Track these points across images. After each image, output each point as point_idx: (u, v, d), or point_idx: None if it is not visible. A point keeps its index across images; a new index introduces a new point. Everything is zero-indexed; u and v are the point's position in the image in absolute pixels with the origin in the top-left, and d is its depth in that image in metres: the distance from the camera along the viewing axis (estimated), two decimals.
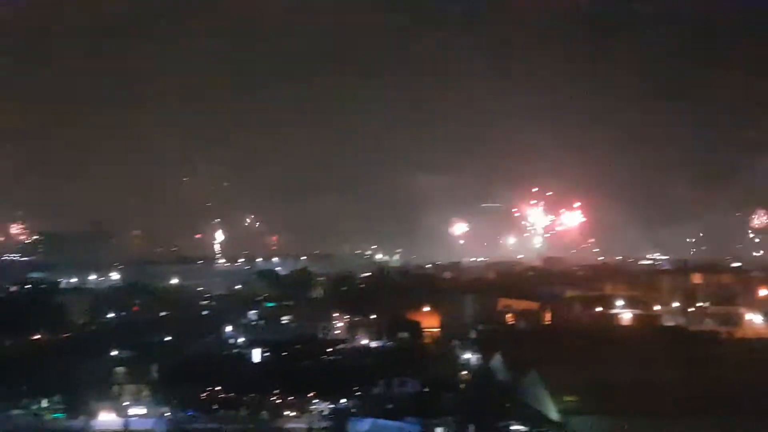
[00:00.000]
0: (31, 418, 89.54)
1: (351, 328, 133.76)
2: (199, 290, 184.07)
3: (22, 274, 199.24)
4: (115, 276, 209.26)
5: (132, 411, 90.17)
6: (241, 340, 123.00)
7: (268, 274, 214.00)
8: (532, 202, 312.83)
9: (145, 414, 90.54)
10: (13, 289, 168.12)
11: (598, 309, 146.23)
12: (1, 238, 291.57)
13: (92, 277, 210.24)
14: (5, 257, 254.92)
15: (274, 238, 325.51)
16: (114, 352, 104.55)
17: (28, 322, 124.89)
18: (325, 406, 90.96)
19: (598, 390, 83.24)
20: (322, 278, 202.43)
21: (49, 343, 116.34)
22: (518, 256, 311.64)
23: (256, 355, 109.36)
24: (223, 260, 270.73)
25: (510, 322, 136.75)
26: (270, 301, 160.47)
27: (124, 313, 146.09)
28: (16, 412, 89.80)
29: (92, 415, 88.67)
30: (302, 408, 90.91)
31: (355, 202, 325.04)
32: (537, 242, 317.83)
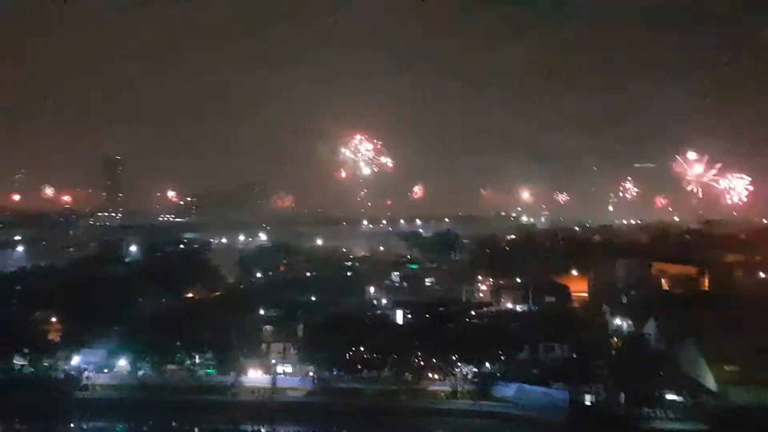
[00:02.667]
0: (184, 372, 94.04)
1: (495, 291, 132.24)
2: (343, 251, 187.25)
3: (177, 235, 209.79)
4: (263, 236, 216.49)
5: (279, 369, 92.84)
6: (384, 301, 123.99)
7: (411, 236, 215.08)
8: (691, 162, 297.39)
9: (291, 372, 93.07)
10: (169, 249, 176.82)
11: (763, 275, 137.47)
12: (158, 201, 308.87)
13: (241, 237, 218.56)
14: (161, 218, 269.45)
15: (418, 193, 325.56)
16: (262, 311, 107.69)
17: (182, 280, 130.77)
18: (470, 370, 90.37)
19: (762, 359, 79.06)
20: (465, 240, 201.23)
21: (201, 301, 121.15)
22: (674, 218, 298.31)
23: (399, 316, 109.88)
24: (367, 222, 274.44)
25: (664, 288, 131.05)
26: (413, 263, 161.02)
27: (271, 273, 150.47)
28: (170, 366, 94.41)
29: (241, 371, 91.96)
30: (446, 370, 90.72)
31: (499, 163, 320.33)
32: (694, 204, 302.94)
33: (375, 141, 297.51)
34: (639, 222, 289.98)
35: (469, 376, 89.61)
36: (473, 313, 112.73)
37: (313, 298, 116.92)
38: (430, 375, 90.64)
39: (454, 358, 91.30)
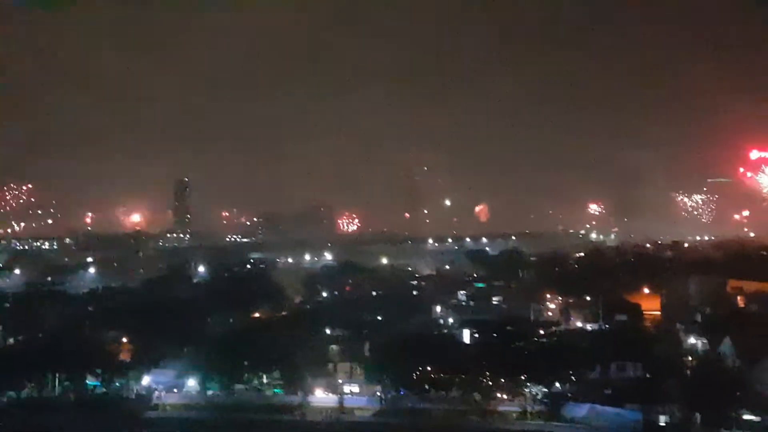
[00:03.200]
0: (252, 392, 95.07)
1: (564, 310, 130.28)
2: (409, 270, 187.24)
3: (244, 255, 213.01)
4: (329, 256, 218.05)
5: (346, 388, 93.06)
6: (450, 320, 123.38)
7: (478, 254, 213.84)
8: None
9: (358, 392, 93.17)
10: (236, 269, 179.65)
11: None
12: (225, 222, 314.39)
13: (307, 257, 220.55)
14: (228, 239, 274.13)
15: (483, 218, 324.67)
16: (328, 331, 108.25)
17: (249, 300, 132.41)
18: (539, 390, 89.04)
19: None
20: (533, 258, 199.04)
21: (268, 320, 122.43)
22: (749, 234, 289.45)
23: (467, 335, 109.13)
24: (432, 240, 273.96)
25: (741, 305, 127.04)
26: (480, 282, 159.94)
27: (337, 293, 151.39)
28: (238, 386, 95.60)
29: (309, 391, 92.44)
30: (515, 391, 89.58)
31: (567, 180, 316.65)
32: None
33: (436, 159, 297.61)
34: (713, 238, 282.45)
35: (539, 397, 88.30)
36: (542, 332, 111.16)
37: (379, 318, 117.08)
38: (499, 395, 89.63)
39: (523, 377, 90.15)
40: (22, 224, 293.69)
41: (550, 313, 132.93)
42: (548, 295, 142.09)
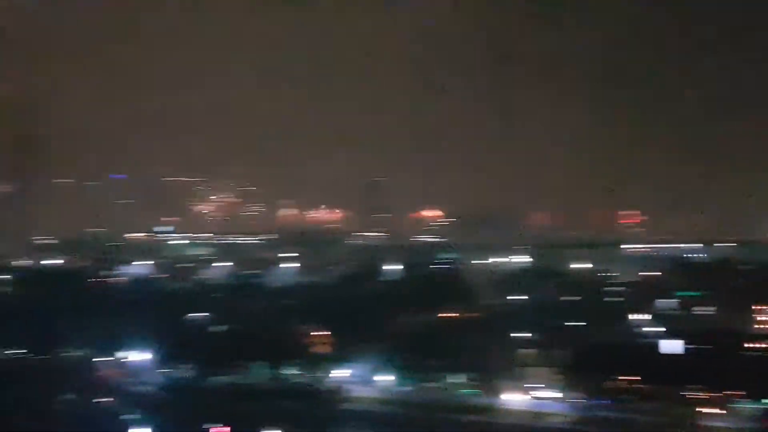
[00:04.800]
0: (442, 392, 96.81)
1: None
2: (607, 275, 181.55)
3: (433, 254, 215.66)
4: (521, 258, 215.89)
5: (539, 393, 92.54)
6: (651, 329, 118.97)
7: (683, 261, 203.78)
8: None
9: (550, 397, 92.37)
10: (425, 268, 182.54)
11: None
12: (415, 221, 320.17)
13: (499, 258, 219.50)
14: (418, 238, 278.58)
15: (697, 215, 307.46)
16: (520, 334, 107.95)
17: (438, 299, 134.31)
18: (751, 407, 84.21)
19: None
20: (747, 266, 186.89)
21: (458, 320, 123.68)
22: None
23: (670, 345, 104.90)
24: (636, 245, 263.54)
25: None
26: (684, 290, 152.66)
27: (530, 296, 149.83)
28: (429, 384, 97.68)
29: (500, 393, 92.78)
30: (722, 406, 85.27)
31: None
32: None
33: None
34: None
35: (751, 414, 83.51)
36: (754, 345, 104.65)
37: (574, 323, 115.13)
38: (705, 409, 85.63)
39: (732, 393, 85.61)
40: (226, 219, 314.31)
41: (763, 326, 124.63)
42: (761, 306, 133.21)
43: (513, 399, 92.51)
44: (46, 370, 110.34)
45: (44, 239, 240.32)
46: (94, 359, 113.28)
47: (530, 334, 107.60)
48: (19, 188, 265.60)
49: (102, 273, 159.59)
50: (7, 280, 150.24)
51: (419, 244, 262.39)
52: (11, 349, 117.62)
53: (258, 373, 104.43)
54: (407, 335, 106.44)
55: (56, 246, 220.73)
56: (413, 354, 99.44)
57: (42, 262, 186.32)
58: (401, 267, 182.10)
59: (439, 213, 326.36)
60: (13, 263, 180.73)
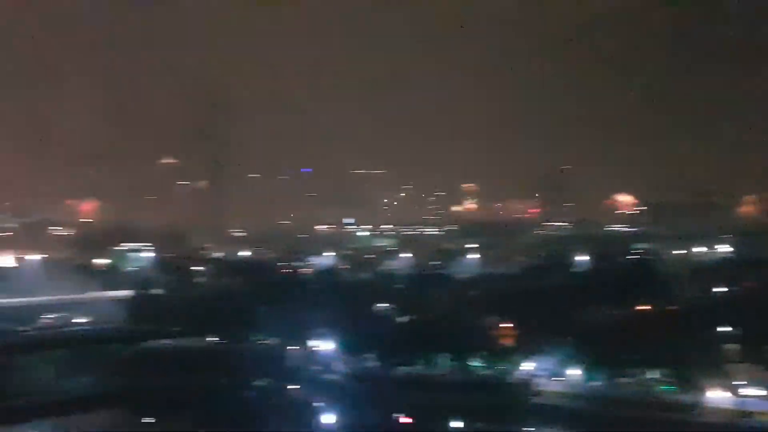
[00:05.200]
0: (637, 387, 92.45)
1: None
2: None
3: (626, 245, 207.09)
4: (724, 247, 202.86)
5: (745, 391, 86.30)
6: None
7: None
8: None
9: (760, 395, 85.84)
10: (618, 259, 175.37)
11: None
12: (606, 210, 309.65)
13: (698, 248, 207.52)
14: (610, 228, 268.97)
15: None
16: (723, 329, 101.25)
17: (632, 292, 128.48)
18: None
19: None
20: None
21: (654, 314, 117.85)
22: None
23: None
24: None
25: None
26: None
27: (735, 288, 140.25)
28: (622, 380, 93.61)
29: (702, 391, 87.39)
30: None
31: None
32: None
33: None
34: None
35: None
36: None
37: None
38: None
39: None
40: (409, 210, 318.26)
41: None
42: None
43: (716, 396, 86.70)
44: (240, 357, 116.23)
45: (237, 232, 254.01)
46: (285, 347, 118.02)
47: (736, 329, 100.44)
48: (214, 183, 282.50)
49: (291, 264, 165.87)
50: (204, 271, 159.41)
51: (612, 233, 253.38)
52: (208, 336, 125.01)
53: (442, 365, 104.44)
54: (598, 329, 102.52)
55: (248, 238, 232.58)
56: (606, 348, 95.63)
57: (235, 253, 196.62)
58: (592, 258, 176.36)
59: (632, 200, 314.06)
60: (210, 255, 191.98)
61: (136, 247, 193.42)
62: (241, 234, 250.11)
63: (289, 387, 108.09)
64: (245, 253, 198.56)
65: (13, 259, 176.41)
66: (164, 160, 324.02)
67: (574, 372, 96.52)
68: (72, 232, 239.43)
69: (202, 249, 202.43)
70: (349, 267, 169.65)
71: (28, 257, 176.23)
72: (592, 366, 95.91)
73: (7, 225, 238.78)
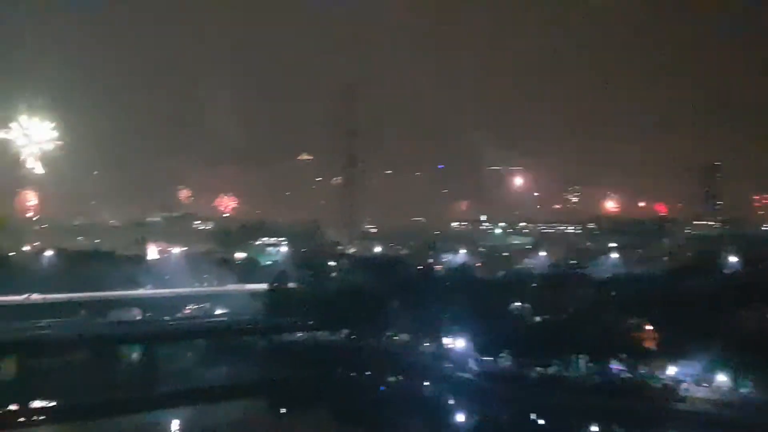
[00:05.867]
0: None
1: None
2: None
3: None
4: None
5: None
6: None
7: None
8: None
9: None
10: None
11: None
12: (762, 208, 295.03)
13: None
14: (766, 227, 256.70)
15: None
16: None
17: None
18: None
19: None
20: None
21: None
22: None
23: None
24: None
25: None
26: None
27: None
28: None
29: None
30: None
31: None
32: None
33: None
34: None
35: None
36: None
37: None
38: None
39: None
40: (538, 206, 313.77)
41: None
42: None
43: None
44: (373, 352, 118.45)
45: (370, 228, 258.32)
46: (418, 344, 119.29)
47: None
48: (349, 180, 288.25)
49: (425, 261, 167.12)
50: (337, 266, 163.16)
51: (765, 233, 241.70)
52: (341, 330, 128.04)
53: (580, 367, 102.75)
54: (749, 333, 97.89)
55: (381, 234, 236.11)
56: (756, 354, 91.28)
57: (369, 249, 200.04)
58: (744, 259, 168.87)
59: None
60: (344, 251, 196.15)
61: (273, 242, 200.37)
62: (374, 230, 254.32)
63: (421, 384, 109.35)
64: (378, 249, 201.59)
65: (159, 251, 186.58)
66: (301, 157, 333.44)
67: (723, 378, 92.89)
68: (212, 226, 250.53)
69: (337, 244, 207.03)
70: (483, 265, 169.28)
71: (172, 250, 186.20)
72: (741, 372, 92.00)
73: (153, 219, 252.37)
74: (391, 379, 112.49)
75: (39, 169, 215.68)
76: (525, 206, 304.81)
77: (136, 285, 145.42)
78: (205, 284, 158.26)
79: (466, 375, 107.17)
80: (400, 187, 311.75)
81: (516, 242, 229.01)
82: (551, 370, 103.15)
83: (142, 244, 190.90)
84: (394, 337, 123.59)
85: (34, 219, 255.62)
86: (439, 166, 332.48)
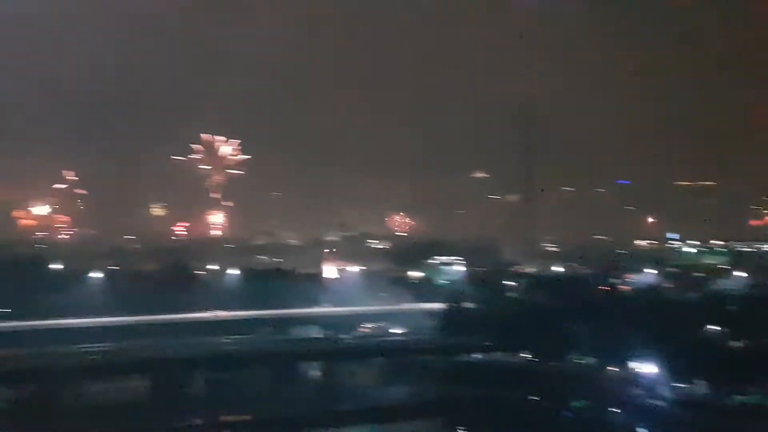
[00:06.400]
0: None
1: None
2: None
3: None
4: None
5: None
6: None
7: None
8: None
9: None
10: None
11: None
12: None
13: None
14: None
15: None
16: None
17: None
18: None
19: None
20: None
21: None
22: None
23: None
24: None
25: None
26: None
27: None
28: None
29: None
30: None
31: None
32: None
33: None
34: None
35: None
36: None
37: None
38: None
39: None
40: (732, 223, 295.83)
41: None
42: None
43: None
44: (555, 375, 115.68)
45: (550, 246, 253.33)
46: (603, 368, 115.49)
47: None
48: (526, 197, 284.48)
49: (610, 281, 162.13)
50: (515, 286, 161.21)
51: None
52: (521, 352, 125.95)
53: None
54: None
55: (561, 253, 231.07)
56: None
57: (548, 268, 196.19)
58: None
59: None
60: (522, 270, 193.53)
61: (448, 261, 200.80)
62: (554, 249, 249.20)
63: (608, 410, 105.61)
64: (558, 269, 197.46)
65: (336, 270, 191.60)
66: (475, 174, 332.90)
67: None
68: (387, 245, 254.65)
69: (514, 263, 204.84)
70: (674, 285, 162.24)
71: (349, 268, 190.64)
72: None
73: (331, 238, 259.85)
74: (576, 404, 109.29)
75: (223, 191, 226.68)
76: (717, 223, 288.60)
77: (315, 303, 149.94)
78: (381, 303, 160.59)
79: (658, 402, 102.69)
80: (580, 203, 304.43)
81: (711, 262, 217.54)
82: (753, 399, 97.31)
83: (320, 262, 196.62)
84: (578, 360, 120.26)
85: (219, 238, 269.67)
86: (623, 182, 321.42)
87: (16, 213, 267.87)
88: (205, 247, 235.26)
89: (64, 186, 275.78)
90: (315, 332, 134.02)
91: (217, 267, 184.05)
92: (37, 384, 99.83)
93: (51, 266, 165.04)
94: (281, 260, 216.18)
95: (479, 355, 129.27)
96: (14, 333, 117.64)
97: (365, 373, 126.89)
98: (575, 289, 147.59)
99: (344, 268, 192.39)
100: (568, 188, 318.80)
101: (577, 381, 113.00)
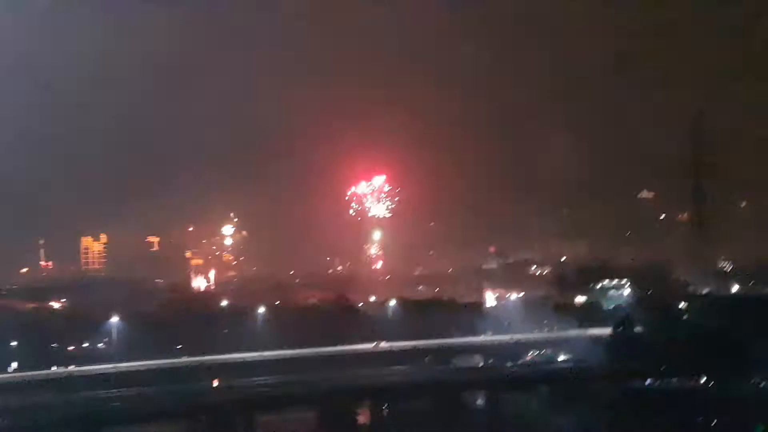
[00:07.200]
0: None
1: None
2: None
3: None
4: None
5: None
6: None
7: None
8: None
9: None
10: None
11: None
12: None
13: None
14: None
15: None
16: None
17: None
18: None
19: None
20: None
21: None
22: None
23: None
24: None
25: None
26: None
27: None
28: None
29: None
30: None
31: None
32: None
33: None
34: None
35: None
36: None
37: None
38: None
39: None
40: None
41: None
42: None
43: None
44: (737, 400, 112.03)
45: (725, 265, 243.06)
46: None
47: None
48: (698, 215, 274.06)
49: None
50: (689, 308, 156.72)
51: None
52: (697, 376, 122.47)
53: None
54: None
55: (738, 272, 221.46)
56: None
57: (725, 288, 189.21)
58: None
59: None
60: (696, 291, 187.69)
61: (615, 284, 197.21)
62: (731, 268, 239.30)
63: None
64: (736, 289, 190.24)
65: (496, 298, 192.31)
66: (642, 195, 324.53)
67: None
68: (549, 270, 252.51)
69: (687, 284, 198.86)
70: None
71: (510, 296, 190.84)
72: None
73: (489, 266, 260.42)
74: (759, 429, 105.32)
75: (380, 224, 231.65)
76: None
77: (476, 332, 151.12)
78: (545, 330, 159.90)
79: None
80: (758, 219, 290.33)
81: None
82: None
83: (480, 291, 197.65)
84: (760, 384, 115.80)
85: (378, 271, 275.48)
86: None
87: (188, 253, 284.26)
88: (364, 279, 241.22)
89: (231, 228, 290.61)
90: (477, 361, 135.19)
91: (376, 298, 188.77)
92: (213, 416, 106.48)
93: (221, 303, 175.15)
94: (438, 289, 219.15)
95: (652, 381, 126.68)
96: (188, 368, 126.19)
97: (532, 402, 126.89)
98: (754, 309, 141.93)
99: (505, 296, 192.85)
100: (743, 203, 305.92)
101: (758, 405, 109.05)
